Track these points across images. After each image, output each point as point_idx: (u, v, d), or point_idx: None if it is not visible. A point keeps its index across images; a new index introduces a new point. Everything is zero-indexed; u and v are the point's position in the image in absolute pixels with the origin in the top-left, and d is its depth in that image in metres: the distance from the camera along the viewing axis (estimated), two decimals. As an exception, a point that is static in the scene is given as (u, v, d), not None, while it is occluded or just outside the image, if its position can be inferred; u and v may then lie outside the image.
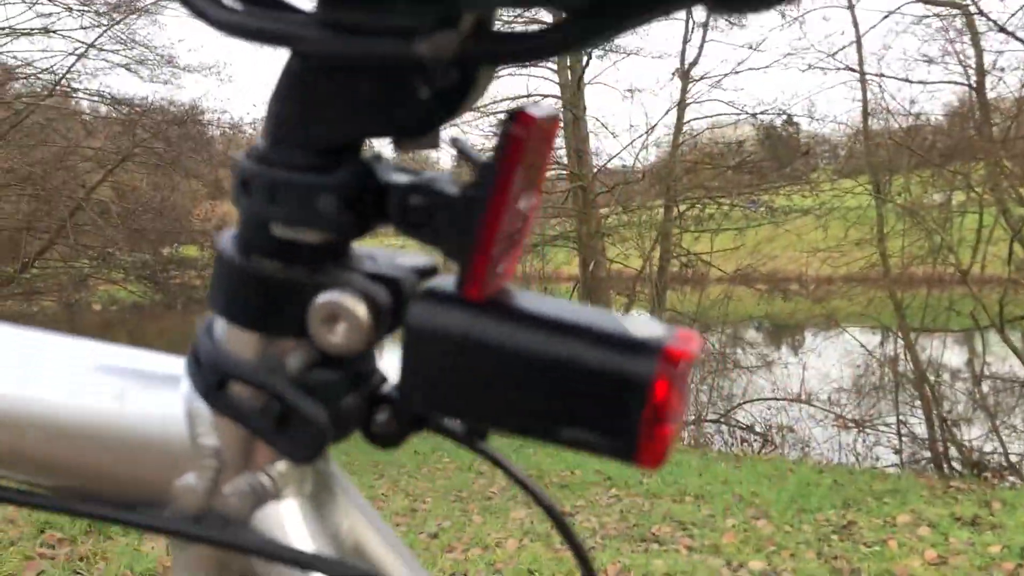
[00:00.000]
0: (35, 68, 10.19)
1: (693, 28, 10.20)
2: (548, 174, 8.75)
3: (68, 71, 10.18)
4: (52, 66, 10.20)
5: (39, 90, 10.24)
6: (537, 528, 4.36)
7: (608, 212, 10.65)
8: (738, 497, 4.96)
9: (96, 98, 10.70)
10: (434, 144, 0.32)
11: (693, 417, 9.99)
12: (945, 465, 7.58)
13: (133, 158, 10.59)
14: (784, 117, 10.83)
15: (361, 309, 0.32)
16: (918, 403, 8.44)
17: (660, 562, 3.65)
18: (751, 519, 4.40)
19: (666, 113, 11.12)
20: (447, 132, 0.33)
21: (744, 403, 10.00)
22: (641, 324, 0.30)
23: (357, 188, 0.32)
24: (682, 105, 10.37)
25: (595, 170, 10.63)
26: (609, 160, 10.98)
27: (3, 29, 10.03)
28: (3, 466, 0.38)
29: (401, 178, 0.32)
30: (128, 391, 0.38)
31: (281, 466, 0.36)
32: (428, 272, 0.35)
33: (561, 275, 11.67)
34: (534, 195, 0.33)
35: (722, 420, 9.79)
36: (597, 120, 14.71)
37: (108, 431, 0.37)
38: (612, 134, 14.67)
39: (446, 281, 0.33)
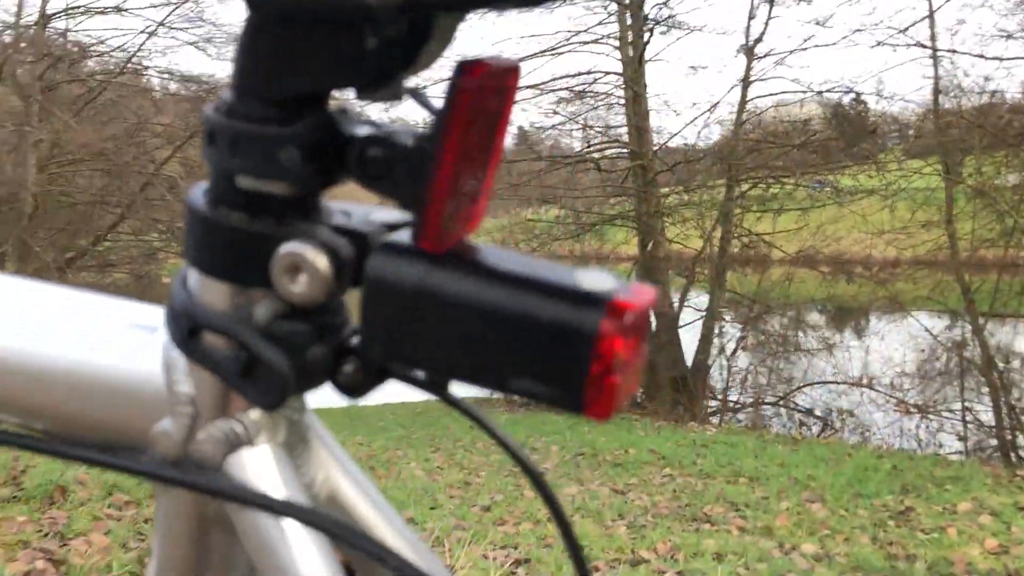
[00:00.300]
0: (108, 46, 10.43)
1: (759, 3, 10.01)
2: (608, 152, 8.69)
3: (139, 49, 10.41)
4: (124, 44, 10.44)
5: (112, 68, 10.47)
6: (588, 505, 4.36)
7: (668, 191, 10.53)
8: (793, 480, 4.90)
9: (165, 75, 10.93)
10: (396, 96, 0.32)
11: (751, 400, 9.87)
12: (1012, 454, 7.39)
13: (201, 134, 10.75)
14: (852, 95, 10.58)
15: (322, 260, 0.32)
16: (985, 390, 8.22)
17: (711, 542, 3.62)
18: (806, 502, 4.34)
19: (729, 90, 10.98)
20: (410, 83, 0.33)
21: (804, 386, 9.85)
22: (592, 278, 0.30)
23: (318, 140, 0.32)
24: (746, 82, 10.18)
25: (655, 148, 10.50)
26: (670, 138, 10.86)
27: (78, 7, 10.29)
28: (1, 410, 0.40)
29: (362, 130, 0.32)
30: (110, 339, 0.39)
31: (254, 414, 0.37)
32: (399, 227, 0.34)
33: (619, 255, 11.58)
34: (494, 147, 0.32)
35: (781, 403, 9.66)
36: (659, 98, 14.56)
37: (90, 378, 0.39)
38: (674, 112, 14.48)
39: (406, 234, 0.33)
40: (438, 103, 0.31)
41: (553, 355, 0.29)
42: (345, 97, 0.33)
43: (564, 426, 7.50)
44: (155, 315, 0.40)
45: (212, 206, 0.34)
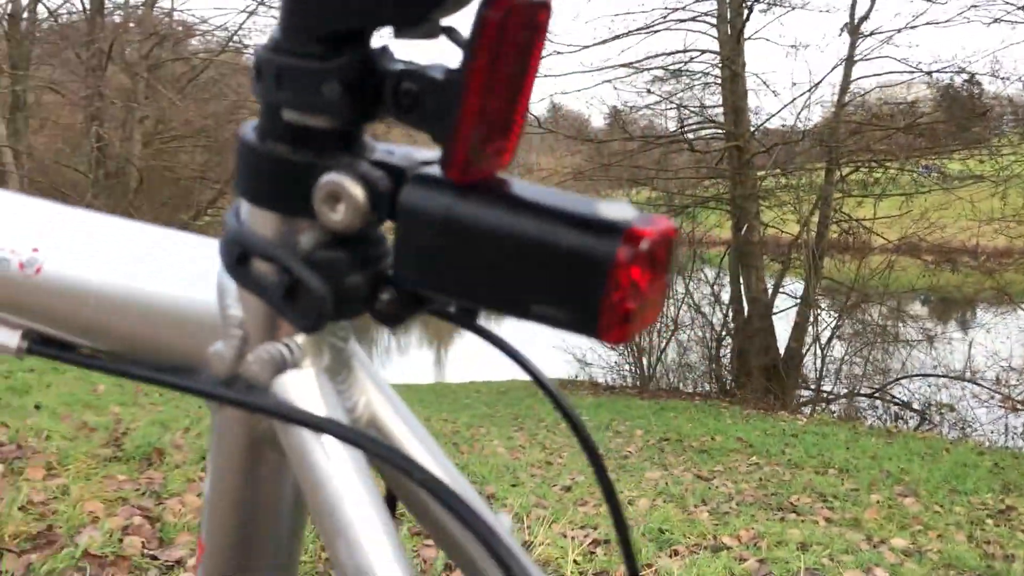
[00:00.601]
0: (210, 25, 10.74)
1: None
2: (704, 133, 8.55)
3: (240, 28, 10.68)
4: (225, 23, 10.73)
5: (214, 46, 10.79)
6: (671, 489, 4.31)
7: (765, 174, 10.25)
8: (886, 473, 4.75)
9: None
10: (432, 34, 0.33)
11: (846, 390, 9.60)
12: None
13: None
14: (964, 76, 10.08)
15: (358, 190, 0.34)
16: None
17: (796, 531, 3.54)
18: (898, 496, 4.20)
19: (832, 70, 10.64)
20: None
21: (902, 378, 9.53)
22: (612, 208, 0.31)
23: (358, 75, 0.34)
24: (850, 62, 9.82)
25: (752, 129, 10.23)
26: (768, 119, 10.57)
27: (184, -12, 10.61)
28: (72, 332, 0.44)
29: (397, 66, 0.34)
30: (172, 269, 0.43)
31: (300, 339, 0.39)
32: (435, 164, 0.35)
33: (712, 239, 11.37)
34: (524, 82, 0.33)
35: (876, 395, 9.37)
36: (757, 77, 14.20)
37: (153, 304, 0.42)
38: (773, 92, 14.10)
39: (438, 168, 0.34)
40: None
41: (571, 281, 0.30)
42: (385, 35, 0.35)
43: (649, 411, 7.44)
44: (213, 247, 0.43)
45: (259, 139, 0.36)
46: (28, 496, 2.51)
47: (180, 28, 10.92)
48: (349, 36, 0.33)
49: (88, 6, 11.00)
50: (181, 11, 10.77)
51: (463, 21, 0.31)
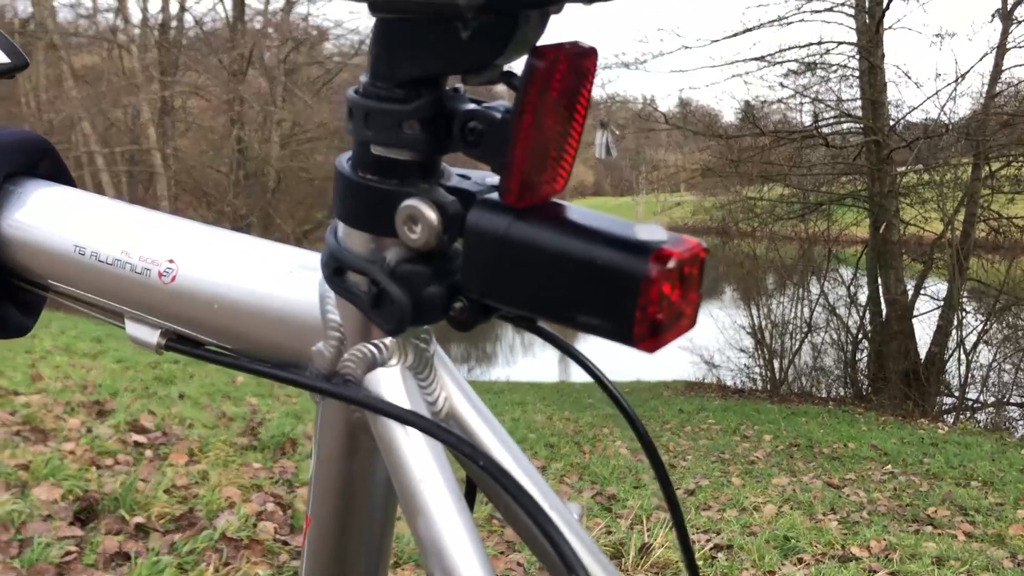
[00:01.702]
0: (344, 29, 11.08)
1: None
2: (840, 127, 8.27)
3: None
4: (357, 27, 11.03)
5: (347, 50, 11.13)
6: (799, 496, 4.19)
7: (906, 169, 9.77)
8: (1035, 488, 4.46)
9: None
10: (494, 79, 0.38)
11: (993, 399, 9.08)
12: None
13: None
14: None
15: (432, 214, 0.39)
16: None
17: (932, 545, 3.37)
18: (1048, 513, 3.93)
19: (981, 59, 10.05)
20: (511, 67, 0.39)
21: (1058, 387, 8.92)
22: (646, 229, 0.35)
23: (432, 115, 0.39)
24: (1001, 50, 9.25)
25: (892, 123, 9.78)
26: (909, 112, 10.07)
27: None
28: (201, 331, 0.51)
29: (466, 106, 0.39)
30: (281, 278, 0.49)
31: (388, 340, 0.46)
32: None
33: (849, 238, 10.92)
34: (574, 120, 0.38)
35: (1029, 404, 8.81)
36: (897, 68, 13.55)
37: (265, 307, 0.49)
38: (915, 84, 13.43)
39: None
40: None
41: (609, 294, 0.34)
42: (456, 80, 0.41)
43: (779, 415, 7.24)
44: (316, 259, 0.49)
45: (352, 169, 0.43)
46: (172, 480, 2.65)
47: (315, 32, 11.32)
48: (425, 82, 0.39)
49: (231, 13, 11.54)
50: (316, 16, 11.13)
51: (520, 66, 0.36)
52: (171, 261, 0.51)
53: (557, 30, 0.39)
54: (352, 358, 0.46)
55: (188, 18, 12.18)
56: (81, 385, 4.07)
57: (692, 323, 0.37)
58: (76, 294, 0.54)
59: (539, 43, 0.37)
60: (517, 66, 0.38)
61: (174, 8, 12.08)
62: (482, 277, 0.39)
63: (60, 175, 0.59)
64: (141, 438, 3.15)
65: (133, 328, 0.53)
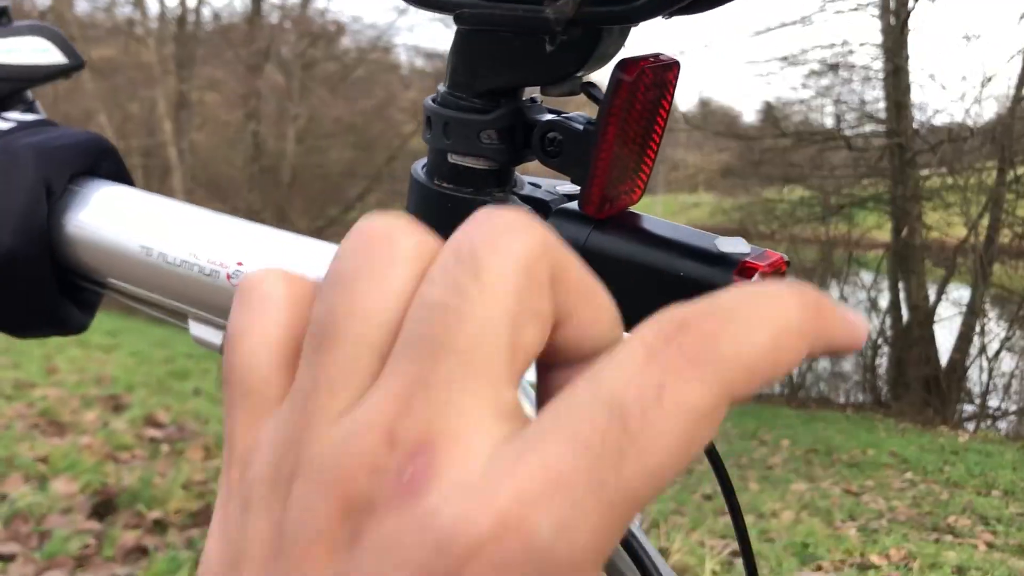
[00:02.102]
0: (361, 24, 11.10)
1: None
2: (864, 130, 8.22)
3: (389, 26, 10.98)
4: (374, 21, 11.03)
5: (364, 45, 11.14)
6: (817, 503, 4.15)
7: (930, 173, 9.68)
8: (1059, 498, 4.40)
9: (412, 52, 11.48)
10: (574, 91, 0.39)
11: (1016, 407, 8.99)
12: None
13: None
14: None
15: None
16: None
17: (952, 554, 3.33)
18: (1073, 524, 3.87)
19: (1008, 61, 9.93)
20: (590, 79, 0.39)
21: (1081, 396, 8.83)
22: (729, 242, 0.35)
23: (511, 125, 0.40)
24: (1029, 53, 9.16)
25: (916, 127, 9.68)
26: (934, 115, 9.96)
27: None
28: None
29: (544, 117, 0.40)
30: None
31: None
32: (575, 197, 0.41)
33: (870, 241, 10.84)
34: (654, 132, 0.38)
35: (1051, 413, 8.72)
36: (923, 71, 13.42)
37: None
38: (940, 86, 13.28)
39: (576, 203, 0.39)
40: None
41: None
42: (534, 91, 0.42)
43: (797, 421, 7.20)
44: None
45: (428, 177, 0.43)
46: (188, 476, 2.63)
47: (333, 27, 11.33)
48: (505, 92, 0.40)
49: (249, 7, 11.57)
50: (334, 10, 11.19)
51: (601, 77, 0.36)
52: (239, 264, 0.51)
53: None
54: None
55: (205, 12, 12.23)
56: (96, 379, 4.07)
57: None
58: (139, 293, 0.55)
59: (621, 56, 0.37)
60: (595, 76, 0.39)
61: (192, 2, 12.12)
62: None
63: (121, 175, 0.59)
64: (157, 433, 3.14)
65: (197, 328, 0.54)
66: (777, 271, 0.34)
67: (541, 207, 0.41)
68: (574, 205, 0.40)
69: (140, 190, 0.57)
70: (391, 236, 0.23)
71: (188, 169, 11.41)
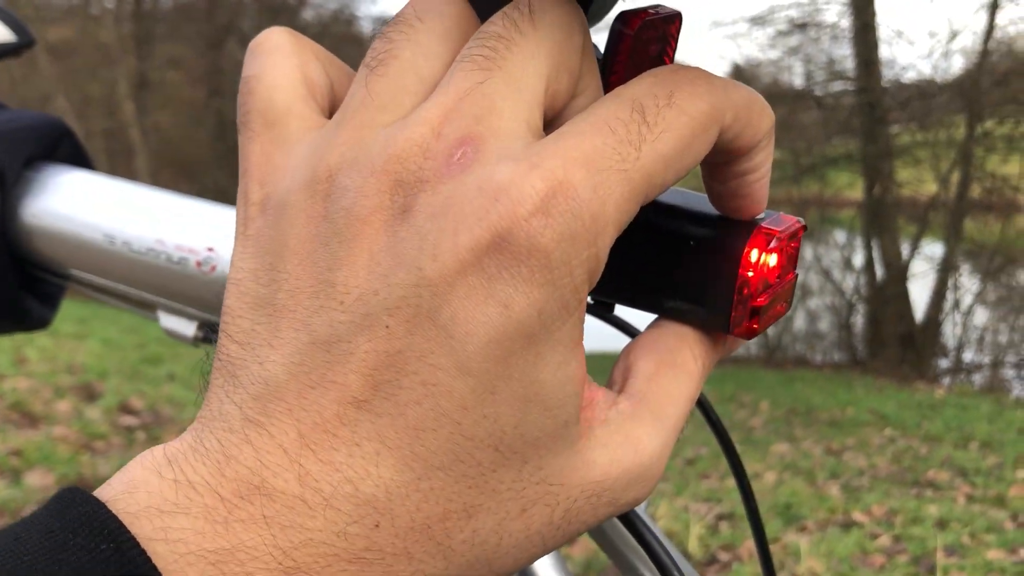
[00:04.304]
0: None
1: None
2: (834, 89, 8.19)
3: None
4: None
5: (326, 19, 11.01)
6: (799, 463, 4.18)
7: (900, 130, 9.72)
8: (1035, 448, 4.46)
9: (377, 23, 11.37)
10: None
11: (989, 360, 9.11)
12: None
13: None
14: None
15: None
16: None
17: (933, 508, 3.36)
18: (1049, 473, 3.93)
19: (975, 14, 9.95)
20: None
21: (1053, 346, 8.95)
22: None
23: None
24: (994, 6, 9.17)
25: (885, 84, 9.70)
26: (903, 71, 10.00)
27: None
28: None
29: None
30: None
31: None
32: None
33: (842, 200, 10.90)
34: None
35: None
36: (890, 27, 13.44)
37: None
38: (908, 42, 13.36)
39: None
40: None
41: (703, 278, 0.31)
42: None
43: (776, 382, 7.25)
44: None
45: None
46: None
47: (294, 1, 11.19)
48: None
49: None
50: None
51: (597, 38, 0.33)
52: (210, 249, 0.48)
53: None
54: None
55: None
56: (68, 367, 4.00)
57: (789, 306, 0.34)
58: (104, 285, 0.52)
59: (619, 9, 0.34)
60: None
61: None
62: None
63: (80, 159, 0.56)
64: (132, 420, 3.10)
65: (167, 320, 0.52)
66: (794, 236, 0.32)
67: None
68: None
69: (101, 174, 0.54)
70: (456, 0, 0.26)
71: (152, 150, 11.25)
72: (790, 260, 0.33)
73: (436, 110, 0.23)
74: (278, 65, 0.27)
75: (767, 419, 5.54)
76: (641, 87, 0.24)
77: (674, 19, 0.33)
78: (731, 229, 0.31)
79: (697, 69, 0.25)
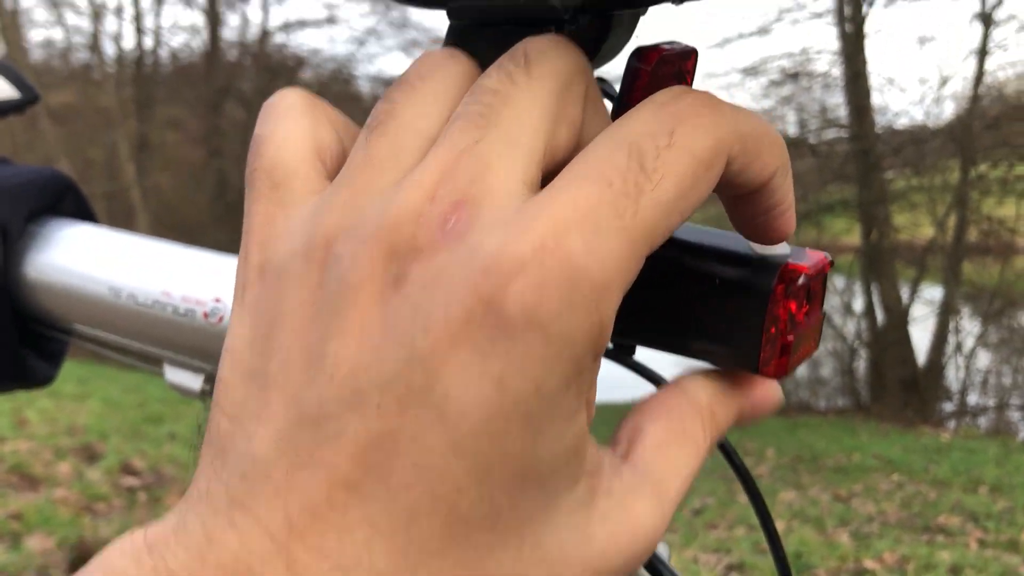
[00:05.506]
0: (321, 56, 11.13)
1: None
2: (828, 136, 8.28)
3: (349, 57, 11.03)
4: (334, 54, 11.07)
5: (325, 78, 11.16)
6: (807, 511, 4.14)
7: (894, 175, 9.79)
8: (1045, 491, 4.42)
9: (374, 81, 11.54)
10: None
11: (994, 402, 9.06)
12: None
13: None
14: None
15: None
16: None
17: (945, 554, 3.32)
18: (1061, 516, 3.89)
19: (964, 61, 10.08)
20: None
21: (1057, 387, 8.91)
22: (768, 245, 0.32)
23: None
24: (983, 53, 9.31)
25: (878, 130, 9.80)
26: (895, 117, 10.08)
27: (295, 22, 11.08)
28: None
29: None
30: None
31: None
32: None
33: (840, 245, 10.93)
34: None
35: (1030, 406, 8.79)
36: (881, 74, 13.62)
37: None
38: (900, 89, 13.49)
39: None
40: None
41: (730, 317, 0.31)
42: None
43: (781, 428, 7.20)
44: None
45: None
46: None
47: (292, 62, 11.34)
48: None
49: (207, 45, 11.55)
50: (291, 47, 11.19)
51: (614, 71, 0.33)
52: (217, 300, 0.48)
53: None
54: None
55: (163, 52, 12.19)
56: (68, 428, 3.98)
57: (816, 344, 0.33)
58: (109, 339, 0.51)
59: (633, 45, 0.33)
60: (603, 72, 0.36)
61: (149, 43, 12.07)
62: None
63: (84, 212, 0.55)
64: (134, 481, 3.07)
65: (173, 374, 0.51)
66: (821, 272, 0.32)
67: None
68: None
69: (105, 227, 0.54)
70: (453, 55, 0.27)
71: (153, 211, 11.32)
72: (817, 298, 0.32)
73: (431, 172, 0.23)
74: (288, 126, 0.27)
75: (773, 466, 5.49)
76: (639, 124, 0.23)
77: (690, 55, 0.33)
78: (758, 267, 0.31)
79: (703, 96, 0.24)
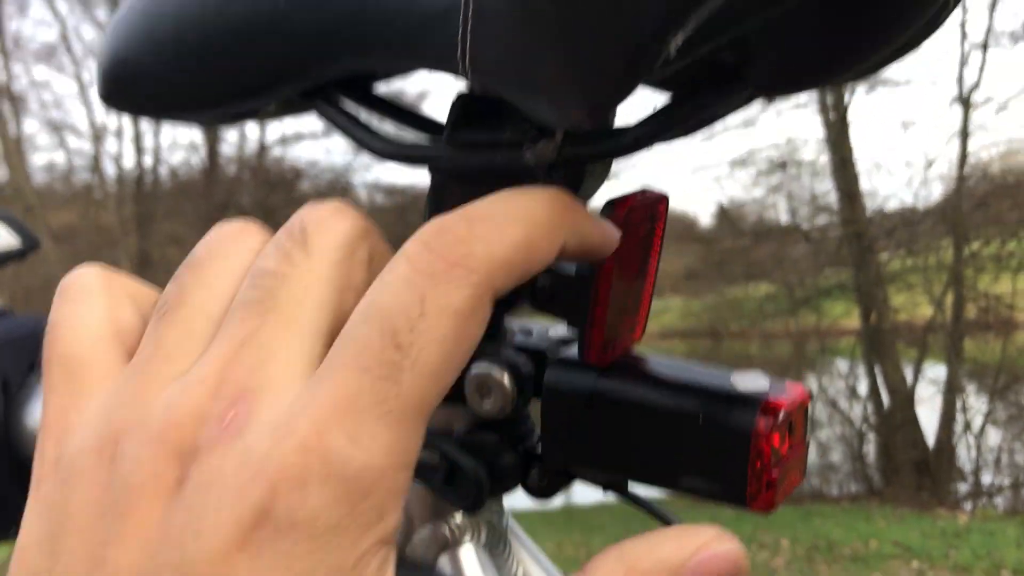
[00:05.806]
0: (319, 167, 11.35)
1: (969, 50, 9.36)
2: (820, 222, 8.35)
3: (346, 167, 11.23)
4: (332, 165, 11.29)
5: (322, 188, 11.36)
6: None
7: (889, 257, 9.85)
8: (1070, 572, 4.30)
9: (372, 189, 11.73)
10: None
11: (1009, 481, 8.91)
12: None
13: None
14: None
15: (505, 378, 0.37)
16: None
17: (974, 646, 3.20)
18: (1088, 598, 3.78)
19: (947, 144, 10.27)
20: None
21: (1072, 463, 8.76)
22: (747, 379, 0.32)
23: None
24: (965, 134, 9.48)
25: (869, 213, 9.91)
26: (885, 200, 10.23)
27: (292, 135, 11.34)
28: None
29: None
30: None
31: (459, 518, 0.44)
32: (572, 342, 0.39)
33: (840, 329, 10.92)
34: (649, 266, 0.36)
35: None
36: (868, 159, 13.84)
37: None
38: (887, 172, 13.74)
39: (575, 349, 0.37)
40: None
41: (715, 454, 0.31)
42: None
43: (794, 518, 7.05)
44: None
45: None
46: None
47: (291, 174, 11.56)
48: None
49: (205, 161, 11.79)
50: (288, 159, 11.45)
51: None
52: None
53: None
54: (422, 540, 0.44)
55: (163, 170, 12.43)
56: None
57: (802, 475, 0.34)
58: None
59: (605, 194, 0.35)
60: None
61: (148, 161, 12.32)
62: (566, 442, 0.36)
63: None
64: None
65: None
66: (802, 406, 0.32)
67: (536, 357, 0.38)
68: (573, 351, 0.37)
69: None
70: (242, 230, 0.26)
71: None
72: (800, 429, 0.33)
73: (212, 365, 0.22)
74: (82, 311, 0.25)
75: (789, 558, 5.36)
76: (389, 296, 0.22)
77: (661, 200, 0.35)
78: (738, 403, 0.31)
79: (451, 236, 0.22)
